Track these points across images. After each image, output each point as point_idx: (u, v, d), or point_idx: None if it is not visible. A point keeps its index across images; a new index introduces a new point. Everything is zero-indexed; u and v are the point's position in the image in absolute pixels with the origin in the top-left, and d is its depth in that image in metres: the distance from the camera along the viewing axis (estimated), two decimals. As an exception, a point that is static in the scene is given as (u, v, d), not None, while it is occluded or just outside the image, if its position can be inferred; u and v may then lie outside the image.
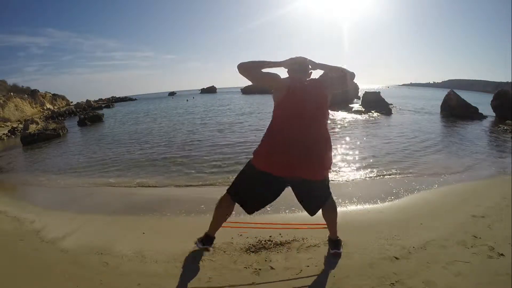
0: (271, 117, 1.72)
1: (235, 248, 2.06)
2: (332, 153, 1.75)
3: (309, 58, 1.72)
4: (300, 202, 1.80)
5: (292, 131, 1.61)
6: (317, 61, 1.73)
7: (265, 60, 1.67)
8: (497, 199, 2.88)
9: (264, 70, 1.67)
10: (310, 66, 1.73)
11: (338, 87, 1.76)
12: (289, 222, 2.43)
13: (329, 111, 1.78)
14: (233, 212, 1.87)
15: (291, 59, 1.70)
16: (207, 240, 1.93)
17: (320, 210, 1.84)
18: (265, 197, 1.77)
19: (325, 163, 1.69)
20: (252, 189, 1.73)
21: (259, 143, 1.73)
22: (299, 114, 1.61)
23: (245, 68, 1.65)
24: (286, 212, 2.78)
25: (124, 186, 4.20)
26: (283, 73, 1.75)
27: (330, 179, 1.83)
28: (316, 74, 1.81)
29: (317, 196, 1.77)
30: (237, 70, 1.65)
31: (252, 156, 1.74)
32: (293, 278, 1.70)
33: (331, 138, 1.73)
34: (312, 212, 1.82)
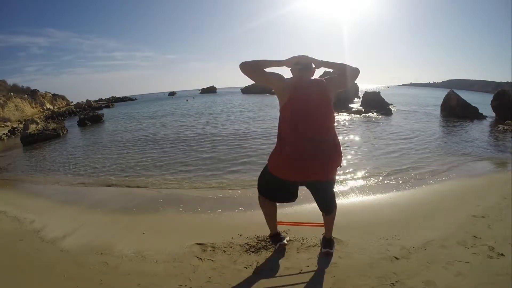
0: (279, 120, 1.70)
1: (235, 248, 2.06)
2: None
3: (311, 56, 1.69)
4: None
5: (298, 134, 1.60)
6: (319, 59, 1.71)
7: (267, 59, 1.65)
8: (497, 199, 2.88)
9: (267, 70, 1.65)
10: (313, 64, 1.70)
11: (341, 85, 1.73)
12: (288, 220, 2.43)
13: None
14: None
15: (294, 57, 1.67)
16: (275, 239, 2.03)
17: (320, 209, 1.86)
18: (286, 196, 1.86)
19: (333, 163, 1.67)
20: (272, 189, 1.84)
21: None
22: (304, 115, 1.59)
23: (248, 67, 1.62)
24: (285, 210, 2.78)
25: (124, 186, 4.21)
26: (286, 72, 1.74)
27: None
28: (318, 71, 1.80)
29: (327, 196, 1.80)
30: (239, 69, 1.63)
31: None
32: (293, 278, 1.70)
33: (338, 137, 1.71)
34: (326, 212, 1.86)
